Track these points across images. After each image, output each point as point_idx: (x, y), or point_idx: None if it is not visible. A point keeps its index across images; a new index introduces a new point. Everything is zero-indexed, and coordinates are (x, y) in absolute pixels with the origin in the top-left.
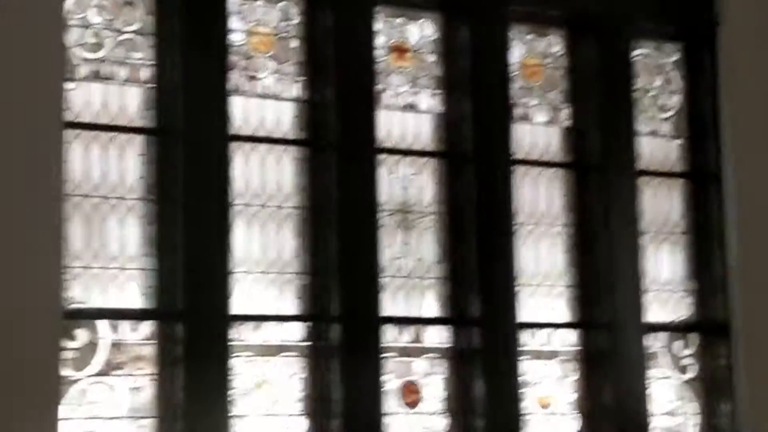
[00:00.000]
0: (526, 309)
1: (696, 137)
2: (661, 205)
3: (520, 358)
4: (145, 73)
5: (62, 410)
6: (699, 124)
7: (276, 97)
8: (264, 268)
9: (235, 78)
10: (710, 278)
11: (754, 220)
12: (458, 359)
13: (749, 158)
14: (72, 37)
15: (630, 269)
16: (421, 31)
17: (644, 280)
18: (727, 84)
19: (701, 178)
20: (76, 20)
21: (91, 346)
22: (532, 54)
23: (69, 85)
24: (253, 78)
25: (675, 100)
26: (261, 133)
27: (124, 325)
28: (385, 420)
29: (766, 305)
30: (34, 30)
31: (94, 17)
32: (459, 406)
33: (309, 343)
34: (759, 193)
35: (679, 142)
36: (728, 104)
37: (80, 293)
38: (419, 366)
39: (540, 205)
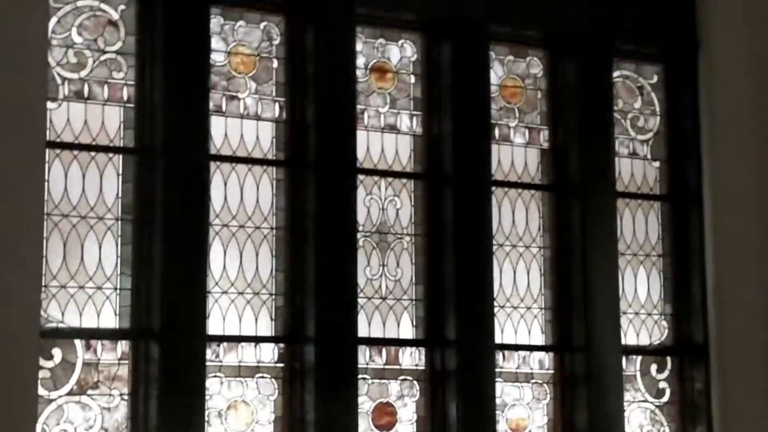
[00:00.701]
0: (503, 331)
1: (675, 159)
2: (639, 227)
3: (496, 380)
4: (126, 93)
5: (38, 429)
6: (678, 146)
7: (256, 117)
8: (241, 288)
9: (215, 98)
10: (688, 301)
11: (732, 242)
12: (433, 381)
13: (728, 181)
14: (54, 56)
15: (607, 291)
16: (402, 51)
17: (622, 303)
18: (707, 106)
19: (680, 200)
20: (58, 40)
21: (68, 365)
22: (512, 75)
23: (51, 105)
24: (233, 98)
25: (655, 122)
26: (241, 153)
27: (100, 345)
28: None
29: (744, 329)
30: (17, 49)
31: (77, 37)
32: (434, 428)
33: (284, 364)
34: (738, 216)
35: (658, 164)
36: (708, 126)
37: (57, 312)
38: (395, 388)
39: (518, 227)
